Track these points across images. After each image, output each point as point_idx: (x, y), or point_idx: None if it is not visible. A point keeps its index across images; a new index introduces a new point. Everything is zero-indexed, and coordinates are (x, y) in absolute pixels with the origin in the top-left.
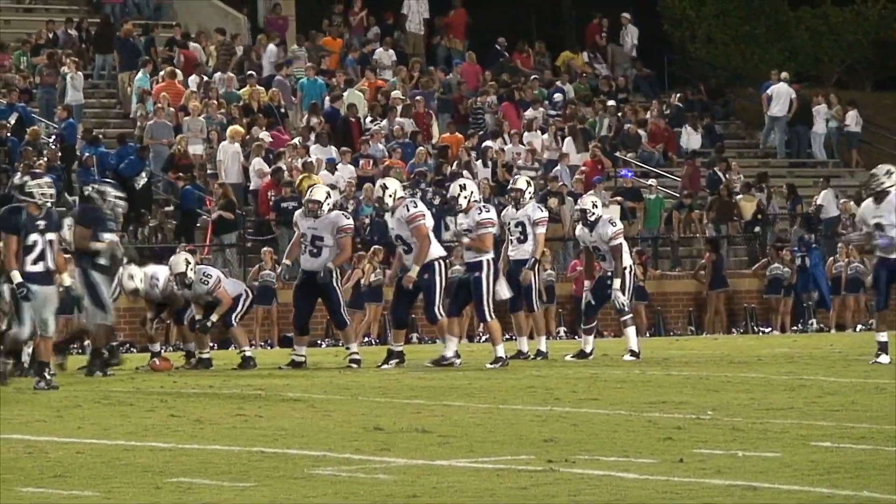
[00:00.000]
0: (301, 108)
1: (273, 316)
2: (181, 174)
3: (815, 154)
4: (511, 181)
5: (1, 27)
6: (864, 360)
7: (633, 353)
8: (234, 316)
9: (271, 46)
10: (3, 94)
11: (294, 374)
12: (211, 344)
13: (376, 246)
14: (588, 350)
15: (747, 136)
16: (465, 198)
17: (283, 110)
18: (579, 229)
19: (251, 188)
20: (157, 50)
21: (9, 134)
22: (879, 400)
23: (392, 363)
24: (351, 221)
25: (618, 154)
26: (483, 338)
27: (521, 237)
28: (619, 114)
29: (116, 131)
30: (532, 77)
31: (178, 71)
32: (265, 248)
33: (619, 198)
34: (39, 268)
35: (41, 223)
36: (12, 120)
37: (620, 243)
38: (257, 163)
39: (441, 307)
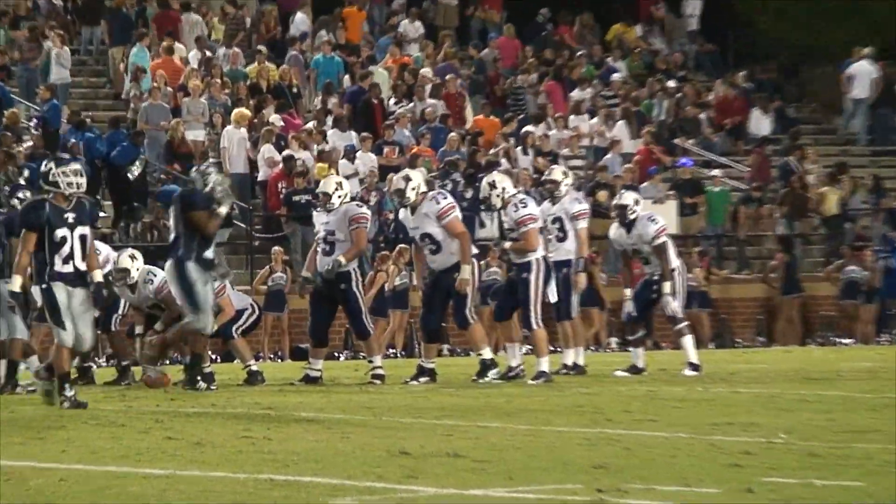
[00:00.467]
0: (315, 88)
1: (284, 324)
2: (178, 164)
3: None
4: (546, 171)
5: None
6: None
7: (692, 366)
8: (235, 327)
9: (300, 14)
10: None
11: (308, 390)
12: (213, 356)
13: (402, 245)
14: (640, 364)
15: (824, 121)
16: (498, 196)
17: (295, 91)
18: (614, 230)
19: (259, 179)
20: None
21: None
22: None
23: (423, 381)
24: (365, 211)
25: (676, 141)
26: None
27: (560, 235)
28: (678, 95)
29: (106, 114)
30: (578, 53)
31: (177, 46)
32: (275, 248)
33: (671, 192)
34: (69, 268)
35: (70, 216)
36: None
37: (665, 241)
38: (267, 150)
39: (473, 311)
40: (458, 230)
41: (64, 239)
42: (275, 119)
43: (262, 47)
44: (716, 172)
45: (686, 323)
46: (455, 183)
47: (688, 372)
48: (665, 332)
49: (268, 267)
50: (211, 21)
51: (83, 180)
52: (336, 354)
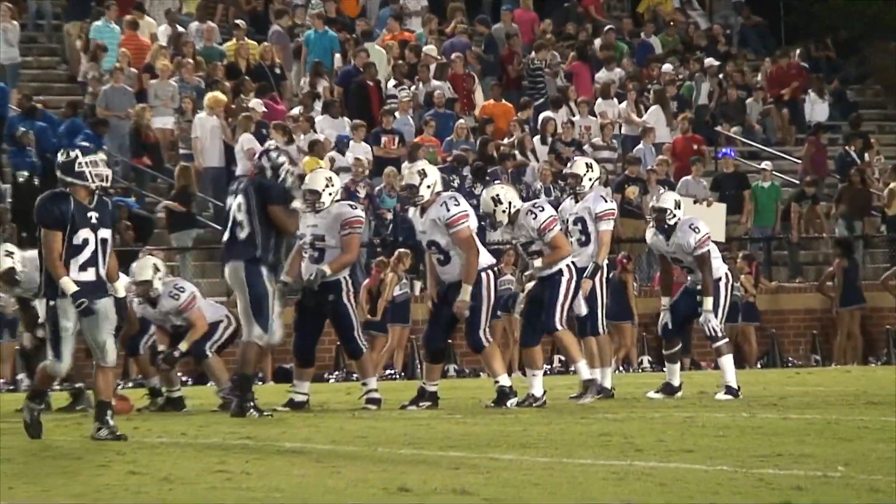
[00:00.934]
0: (305, 69)
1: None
2: (147, 156)
3: None
4: (568, 164)
5: None
6: None
7: (729, 389)
8: (209, 344)
9: None
10: None
11: (293, 417)
12: (183, 378)
13: (401, 249)
14: (675, 382)
15: (889, 105)
16: (504, 211)
17: (278, 71)
18: (651, 234)
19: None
20: None
21: None
22: None
23: (423, 405)
24: (360, 214)
25: (718, 129)
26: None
27: (583, 237)
28: (721, 75)
29: (60, 98)
30: (606, 28)
31: (145, 20)
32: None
33: (710, 197)
34: (90, 275)
35: (93, 215)
36: None
37: (708, 251)
38: (246, 140)
39: (488, 330)
40: (466, 243)
41: (86, 242)
42: (255, 104)
43: (240, 21)
44: (765, 165)
45: (725, 340)
46: (463, 178)
47: (722, 395)
48: (705, 349)
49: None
50: None
51: (110, 172)
52: (325, 376)
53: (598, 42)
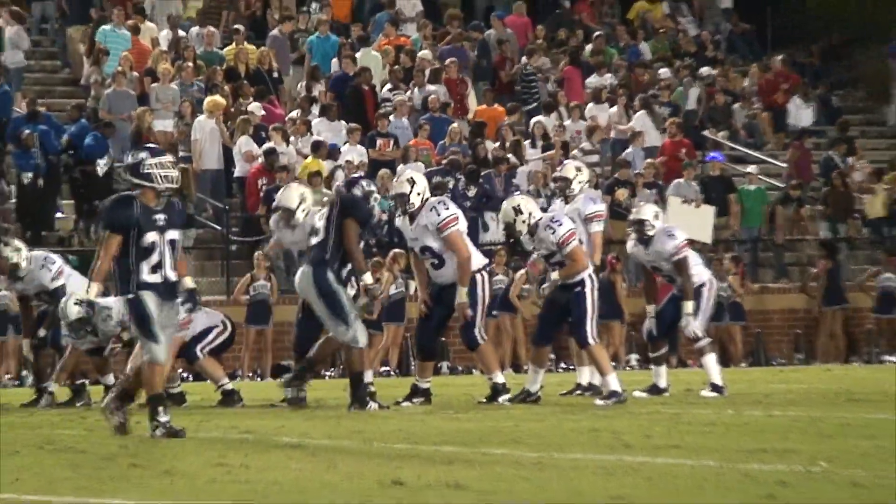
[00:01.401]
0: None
1: (267, 339)
2: None
3: None
4: (558, 168)
5: None
6: None
7: (715, 387)
8: (199, 347)
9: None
10: None
11: (291, 413)
12: (183, 374)
13: (397, 250)
14: (662, 384)
15: (873, 111)
16: (524, 222)
17: (275, 75)
18: (631, 245)
19: (236, 175)
20: None
21: None
22: None
23: (416, 402)
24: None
25: (706, 133)
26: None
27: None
28: (710, 81)
29: (63, 101)
30: (596, 34)
31: (146, 25)
32: (258, 253)
33: (696, 199)
34: (158, 278)
35: (160, 217)
36: None
37: (686, 257)
38: (244, 143)
39: (482, 329)
40: (458, 245)
41: (153, 244)
42: (254, 108)
43: (239, 26)
44: (751, 169)
45: (708, 340)
46: (457, 180)
47: (707, 393)
48: (692, 348)
49: (249, 275)
50: None
51: (178, 174)
52: (322, 373)
53: (588, 48)
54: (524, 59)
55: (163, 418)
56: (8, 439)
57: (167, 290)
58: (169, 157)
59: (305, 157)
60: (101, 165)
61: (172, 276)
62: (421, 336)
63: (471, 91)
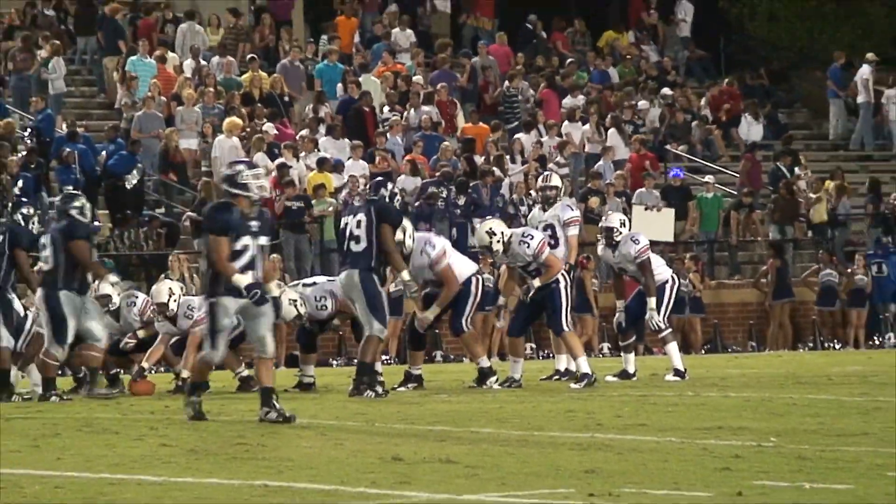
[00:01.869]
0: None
1: (281, 332)
2: (173, 173)
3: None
4: (543, 177)
5: None
6: None
7: (677, 372)
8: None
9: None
10: None
11: (302, 397)
12: None
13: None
14: (631, 370)
15: (815, 126)
16: (499, 241)
17: (286, 99)
18: (601, 249)
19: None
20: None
21: None
22: None
23: (410, 387)
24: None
25: (668, 147)
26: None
27: (552, 242)
28: (670, 102)
29: (100, 123)
30: (568, 61)
31: (170, 55)
32: (272, 256)
33: (660, 204)
34: (248, 278)
35: (254, 224)
36: None
37: (648, 258)
38: (259, 159)
39: (469, 320)
40: (450, 279)
41: (246, 248)
42: (268, 128)
43: (253, 55)
44: (708, 178)
45: (669, 331)
46: (449, 190)
47: (671, 377)
48: (656, 338)
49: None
50: (205, 30)
51: (268, 184)
52: (329, 361)
53: (562, 72)
54: (506, 83)
55: (195, 398)
56: (50, 423)
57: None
58: (261, 170)
59: (313, 171)
60: (130, 179)
61: (260, 277)
62: (411, 328)
63: (459, 111)
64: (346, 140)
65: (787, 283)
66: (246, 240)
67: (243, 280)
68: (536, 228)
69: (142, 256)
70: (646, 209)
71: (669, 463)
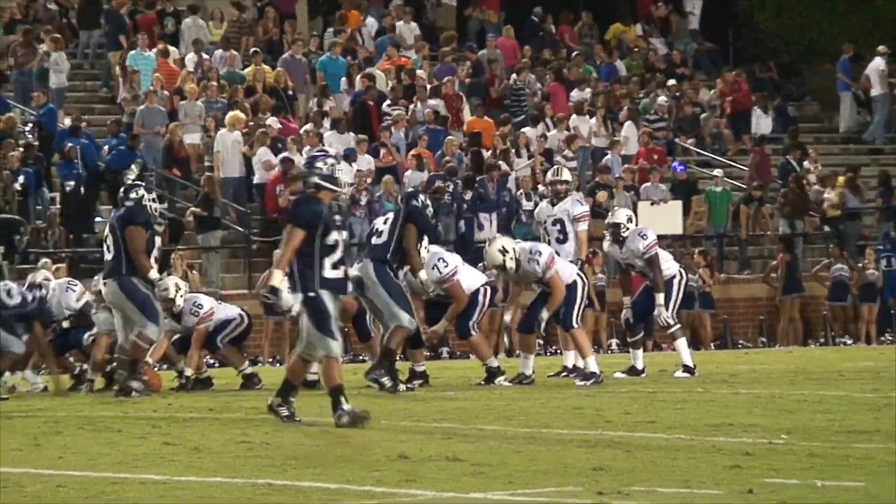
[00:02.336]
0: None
1: (285, 329)
2: (177, 168)
3: None
4: (553, 171)
5: None
6: None
7: (686, 368)
8: (220, 338)
9: (370, 19)
10: None
11: (306, 394)
12: (210, 361)
13: None
14: (639, 366)
15: (825, 119)
16: (511, 258)
17: (290, 93)
18: (607, 245)
19: (255, 182)
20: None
21: None
22: None
23: (416, 384)
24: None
25: (676, 140)
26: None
27: (561, 236)
28: (678, 94)
29: (102, 118)
30: (575, 53)
31: (171, 49)
32: (276, 251)
33: (664, 197)
34: (340, 273)
35: (338, 218)
36: None
37: (656, 254)
38: (263, 153)
39: (478, 325)
40: (458, 295)
41: (336, 242)
42: (272, 122)
43: (257, 49)
44: (717, 172)
45: (678, 327)
46: (455, 185)
47: (680, 374)
48: (665, 333)
49: (267, 271)
50: (207, 24)
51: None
52: None
53: (568, 65)
54: (513, 76)
55: (346, 406)
56: (51, 420)
57: (344, 285)
58: (344, 164)
59: None
60: (129, 175)
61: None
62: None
63: (465, 105)
64: (352, 134)
65: (797, 277)
66: (336, 234)
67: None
68: (544, 223)
69: None
70: (652, 204)
71: (679, 461)
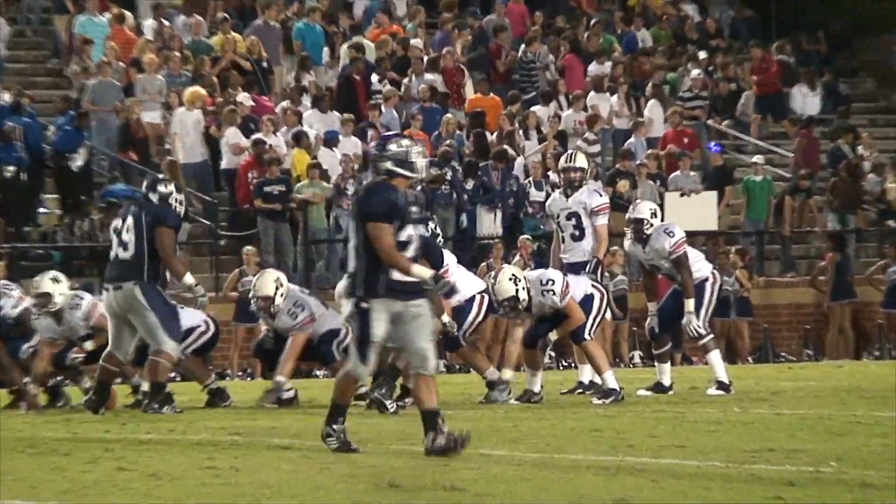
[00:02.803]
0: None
1: (257, 337)
2: (134, 151)
3: None
4: (566, 157)
5: None
6: None
7: (720, 384)
8: (182, 348)
9: None
10: None
11: (282, 413)
12: (172, 374)
13: None
14: (666, 382)
15: (881, 98)
16: (524, 288)
17: (265, 65)
18: (629, 244)
19: (223, 167)
20: None
21: None
22: None
23: (408, 402)
24: (305, 315)
25: (709, 122)
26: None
27: (576, 232)
28: (710, 69)
29: (48, 93)
30: (593, 21)
31: (128, 14)
32: (247, 248)
33: (695, 188)
34: (429, 269)
35: (414, 210)
36: None
37: (685, 253)
38: (232, 134)
39: (466, 335)
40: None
41: (410, 238)
42: (243, 98)
43: (226, 14)
44: (756, 159)
45: (711, 337)
46: (455, 171)
47: (713, 391)
48: (696, 345)
49: (238, 270)
50: None
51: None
52: (314, 372)
53: (586, 35)
54: (522, 47)
55: (337, 426)
56: None
57: (419, 288)
58: (421, 147)
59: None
60: (76, 160)
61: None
62: None
63: (468, 80)
64: (336, 113)
65: (848, 281)
66: (409, 229)
67: (425, 271)
68: (557, 217)
69: (94, 249)
70: (681, 195)
71: (712, 491)
